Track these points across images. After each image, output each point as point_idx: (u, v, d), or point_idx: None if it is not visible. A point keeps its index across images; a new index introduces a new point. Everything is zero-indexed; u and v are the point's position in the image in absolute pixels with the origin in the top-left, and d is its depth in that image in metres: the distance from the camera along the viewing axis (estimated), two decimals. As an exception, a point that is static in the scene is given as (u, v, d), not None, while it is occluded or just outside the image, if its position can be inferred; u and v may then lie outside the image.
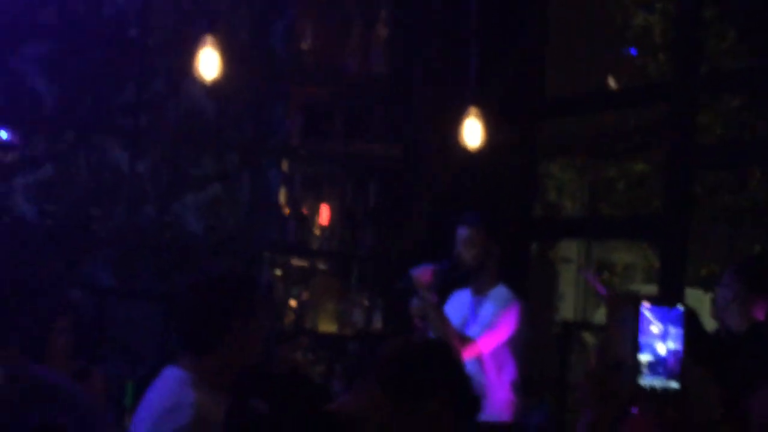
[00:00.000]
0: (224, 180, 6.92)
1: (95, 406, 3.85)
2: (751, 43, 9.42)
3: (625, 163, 10.65)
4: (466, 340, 4.72)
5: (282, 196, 7.13)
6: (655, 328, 2.14)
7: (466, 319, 4.93)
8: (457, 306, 5.03)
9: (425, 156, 6.84)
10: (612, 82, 9.98)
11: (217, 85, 6.59)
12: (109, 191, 6.59)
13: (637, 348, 2.11)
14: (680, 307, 2.15)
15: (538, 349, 8.21)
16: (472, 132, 5.60)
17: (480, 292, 5.00)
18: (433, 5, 6.86)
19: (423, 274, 4.87)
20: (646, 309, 2.13)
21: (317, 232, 6.92)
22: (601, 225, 8.47)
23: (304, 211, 6.89)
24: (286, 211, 6.92)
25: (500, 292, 4.93)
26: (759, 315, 4.42)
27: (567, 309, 12.18)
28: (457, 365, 2.46)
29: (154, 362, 6.09)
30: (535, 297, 11.25)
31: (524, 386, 5.49)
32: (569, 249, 12.85)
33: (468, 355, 4.71)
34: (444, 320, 4.77)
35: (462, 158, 6.17)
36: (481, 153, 6.14)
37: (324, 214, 7.01)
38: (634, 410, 3.04)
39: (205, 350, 2.92)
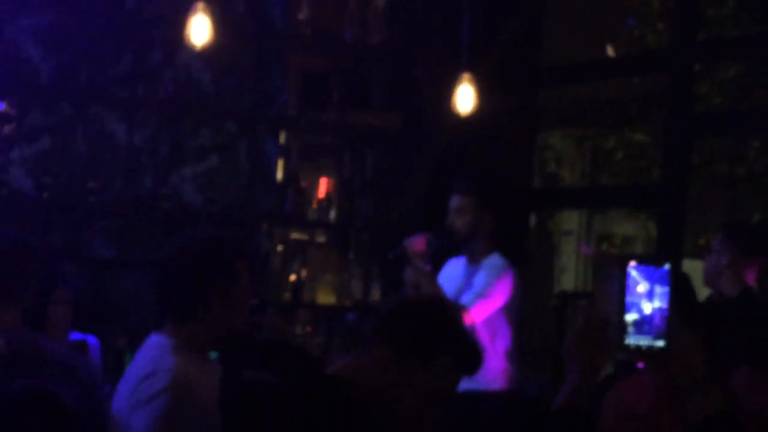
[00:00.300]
0: (222, 151, 6.91)
1: (93, 377, 3.87)
2: (750, 10, 9.39)
3: (625, 133, 10.65)
4: (459, 308, 4.71)
5: (279, 167, 7.13)
6: (642, 287, 2.14)
7: (461, 288, 4.91)
8: (452, 274, 5.02)
9: (424, 125, 6.83)
10: (611, 52, 9.95)
11: (214, 54, 6.59)
12: (107, 163, 6.58)
13: (623, 307, 2.11)
14: (667, 266, 2.16)
15: (536, 320, 8.24)
16: (466, 98, 5.58)
17: (473, 261, 4.99)
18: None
19: (416, 243, 4.85)
20: (632, 268, 2.13)
21: (315, 203, 6.91)
22: (600, 195, 8.47)
23: (302, 182, 6.87)
24: (284, 182, 6.92)
25: (494, 260, 4.91)
26: (750, 279, 4.44)
27: (568, 281, 12.19)
28: (461, 320, 2.41)
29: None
30: (534, 268, 11.30)
31: (521, 355, 5.50)
32: (570, 221, 12.86)
33: None
34: (437, 289, 4.77)
35: (461, 127, 6.16)
36: (480, 122, 6.13)
37: (322, 185, 7.00)
38: (640, 365, 3.05)
39: (186, 317, 2.86)
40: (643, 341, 2.14)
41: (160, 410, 2.73)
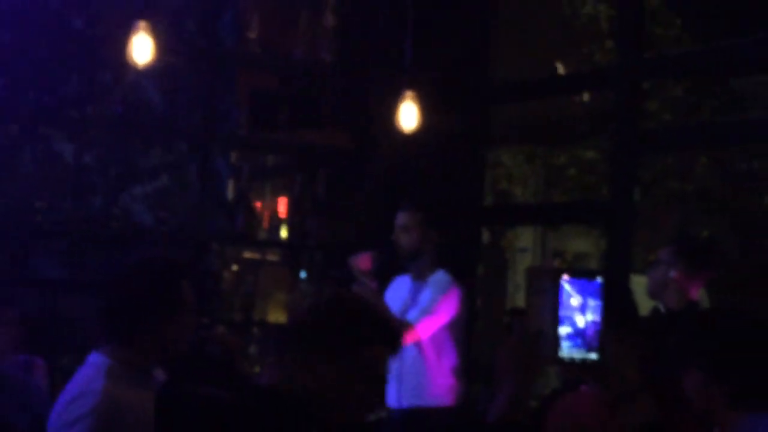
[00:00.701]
0: (172, 170, 6.90)
1: (43, 398, 3.85)
2: (695, 30, 9.52)
3: (576, 151, 10.73)
4: (405, 325, 4.72)
5: (230, 187, 7.12)
6: (575, 300, 2.17)
7: (407, 305, 4.92)
8: (398, 292, 5.03)
9: (374, 144, 6.86)
10: (561, 70, 10.04)
11: (163, 74, 6.58)
12: (56, 183, 6.54)
13: (556, 319, 2.14)
14: (599, 280, 2.19)
15: (488, 336, 8.27)
16: (409, 115, 5.62)
17: (419, 278, 5.00)
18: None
19: (362, 261, 4.87)
20: (565, 282, 2.16)
21: (266, 222, 6.91)
22: (550, 211, 8.52)
23: (253, 201, 6.87)
24: (235, 201, 6.91)
25: (439, 277, 4.93)
26: (694, 294, 4.49)
27: (521, 298, 12.24)
28: (371, 306, 2.44)
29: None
30: (487, 285, 11.34)
31: (472, 371, 5.51)
32: (525, 238, 12.92)
33: (407, 340, 4.72)
34: (383, 306, 4.77)
35: (408, 144, 6.19)
36: (429, 139, 6.15)
37: (273, 204, 7.00)
38: (583, 388, 3.09)
39: (126, 337, 2.85)
40: (577, 354, 2.16)
41: None
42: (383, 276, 5.02)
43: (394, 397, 5.00)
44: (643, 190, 9.57)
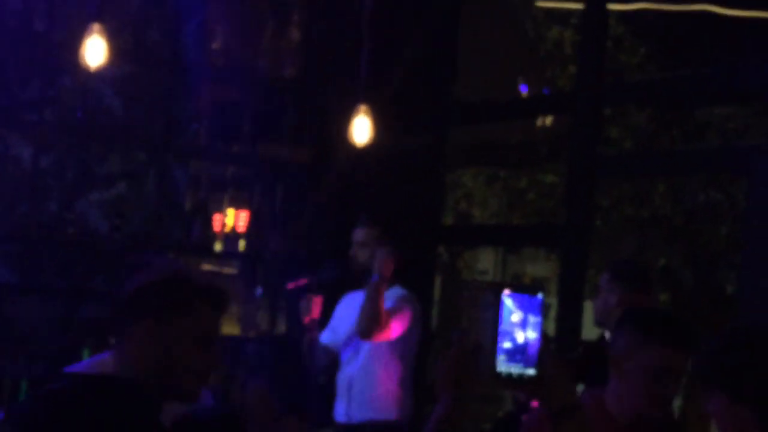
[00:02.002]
0: (130, 178, 6.87)
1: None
2: (659, 59, 9.62)
3: (537, 175, 10.79)
4: (358, 334, 4.76)
5: (189, 197, 7.10)
6: (516, 316, 2.16)
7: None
8: (351, 305, 5.03)
9: (334, 159, 6.86)
10: (524, 94, 10.10)
11: (125, 82, 6.56)
12: (12, 186, 6.50)
13: (496, 335, 2.13)
14: (540, 296, 2.18)
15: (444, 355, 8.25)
16: (362, 130, 5.65)
17: (375, 294, 5.00)
18: (339, 9, 6.89)
19: (314, 307, 4.90)
20: (506, 296, 2.15)
21: (223, 234, 6.89)
22: (507, 233, 8.56)
23: (211, 212, 6.85)
24: (192, 211, 6.88)
25: (395, 292, 4.93)
26: None
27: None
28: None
29: (52, 360, 6.03)
30: (444, 305, 11.37)
31: (424, 390, 5.51)
32: (485, 260, 12.97)
33: (376, 337, 4.74)
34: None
35: (366, 160, 6.20)
36: (389, 156, 6.16)
37: (231, 216, 6.98)
38: (534, 405, 3.09)
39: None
40: (515, 369, 2.16)
41: None
42: (339, 289, 5.01)
43: (343, 411, 5.00)
44: (601, 216, 9.63)
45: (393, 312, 4.84)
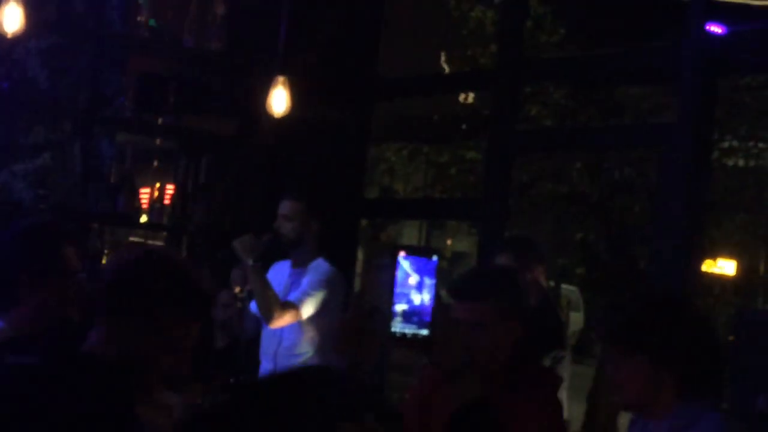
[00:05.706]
0: (55, 149, 6.87)
1: None
2: (578, 40, 9.81)
3: (459, 150, 10.95)
4: (287, 304, 4.82)
5: (114, 168, 7.12)
6: (413, 279, 2.26)
7: (287, 289, 5.01)
8: (278, 277, 5.10)
9: (259, 131, 6.92)
10: (447, 70, 10.24)
11: (51, 53, 6.55)
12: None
13: (392, 296, 2.22)
14: (435, 258, 2.28)
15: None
16: (280, 101, 5.72)
17: (299, 265, 5.08)
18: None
19: (244, 242, 4.92)
20: (403, 258, 2.23)
21: (148, 205, 6.93)
22: (427, 206, 8.70)
23: (136, 184, 6.88)
24: (117, 183, 6.91)
25: (319, 264, 5.02)
26: (542, 281, 4.66)
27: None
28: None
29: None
30: (368, 279, 11.47)
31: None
32: (410, 235, 13.11)
33: (290, 319, 4.81)
34: (266, 284, 4.85)
35: (286, 131, 6.29)
36: (316, 130, 6.23)
37: (156, 187, 7.03)
38: (425, 366, 3.19)
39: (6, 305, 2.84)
40: (408, 329, 2.26)
41: None
42: (264, 262, 5.08)
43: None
44: (520, 191, 9.83)
45: (303, 297, 4.89)
